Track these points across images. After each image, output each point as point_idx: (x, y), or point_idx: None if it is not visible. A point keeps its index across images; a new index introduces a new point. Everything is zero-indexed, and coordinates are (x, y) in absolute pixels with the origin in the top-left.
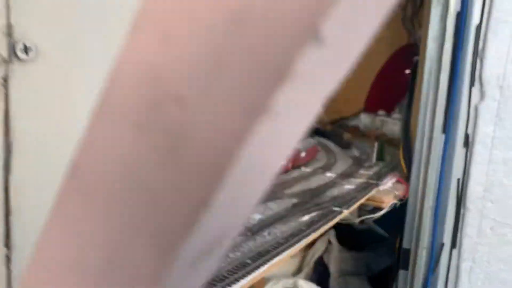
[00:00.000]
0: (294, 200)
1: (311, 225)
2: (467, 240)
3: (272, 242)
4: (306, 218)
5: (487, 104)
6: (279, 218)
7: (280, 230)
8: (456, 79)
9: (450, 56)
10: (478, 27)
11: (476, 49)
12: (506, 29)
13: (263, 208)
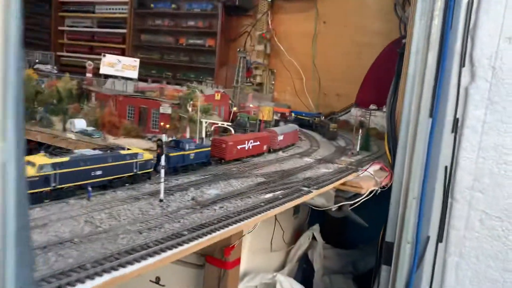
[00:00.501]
0: (261, 179)
1: (272, 202)
2: (454, 233)
3: (220, 216)
4: (268, 196)
5: (478, 86)
6: (238, 194)
7: (235, 205)
8: (445, 58)
9: (439, 34)
10: (469, 4)
11: (467, 27)
12: (498, 5)
13: (224, 185)
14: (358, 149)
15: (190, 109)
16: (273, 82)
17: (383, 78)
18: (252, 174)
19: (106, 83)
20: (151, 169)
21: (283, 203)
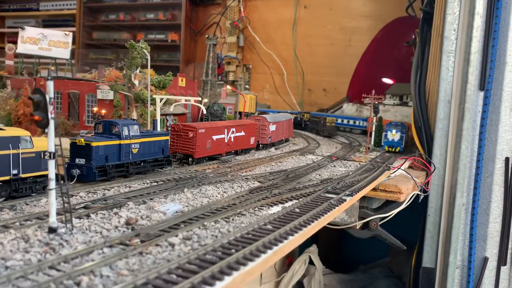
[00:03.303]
0: (254, 184)
1: (287, 222)
2: None
3: (180, 268)
4: (275, 209)
5: None
6: (219, 210)
7: (216, 232)
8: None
9: None
10: None
11: None
12: None
13: (192, 195)
14: (372, 143)
15: (136, 82)
16: (248, 77)
17: (380, 66)
18: (239, 176)
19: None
20: (44, 171)
21: (309, 222)
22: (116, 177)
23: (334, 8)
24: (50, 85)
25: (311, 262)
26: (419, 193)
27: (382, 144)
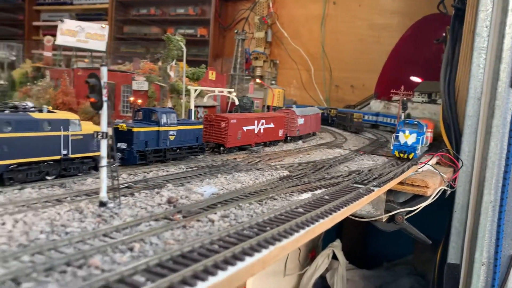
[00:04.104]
0: (283, 173)
1: (318, 207)
2: None
3: (222, 237)
4: (305, 196)
5: None
6: (252, 194)
7: (251, 212)
8: None
9: None
10: None
11: None
12: None
13: (225, 180)
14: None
15: (172, 74)
16: (275, 73)
17: (409, 63)
18: (269, 165)
19: None
20: (98, 152)
21: (339, 207)
22: (154, 162)
23: (363, 4)
24: (104, 70)
25: (334, 257)
26: (446, 188)
27: (391, 148)
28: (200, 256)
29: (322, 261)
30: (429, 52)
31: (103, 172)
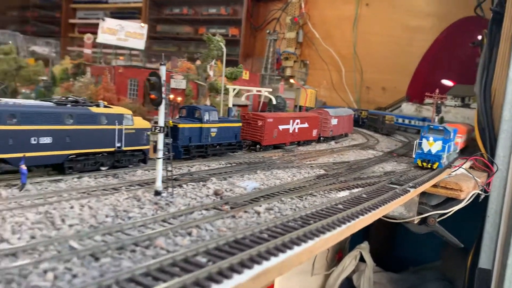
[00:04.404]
0: (319, 171)
1: (357, 204)
2: None
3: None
4: (343, 194)
5: None
6: (291, 190)
7: (293, 206)
8: None
9: None
10: None
11: None
12: None
13: (265, 176)
14: None
15: (211, 73)
16: (305, 73)
17: (442, 66)
18: (304, 164)
19: None
20: (147, 145)
21: (377, 206)
22: (196, 157)
23: (397, 6)
24: (163, 69)
25: (361, 259)
26: (480, 192)
27: (414, 156)
28: (252, 243)
29: (349, 263)
30: (464, 55)
31: (159, 163)
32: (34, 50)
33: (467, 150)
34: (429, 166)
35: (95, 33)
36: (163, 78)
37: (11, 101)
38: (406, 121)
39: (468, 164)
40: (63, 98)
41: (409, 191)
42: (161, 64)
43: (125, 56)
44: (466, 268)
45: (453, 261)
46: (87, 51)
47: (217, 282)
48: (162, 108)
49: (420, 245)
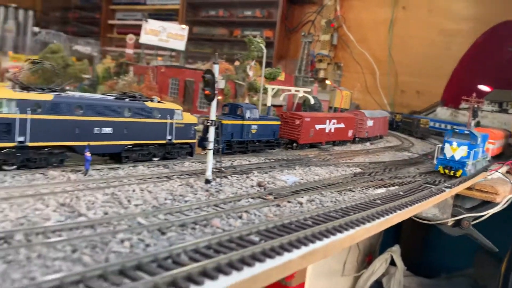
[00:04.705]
0: (356, 170)
1: (393, 200)
2: None
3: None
4: (380, 191)
5: None
6: (330, 185)
7: (333, 199)
8: None
9: None
10: None
11: None
12: None
13: (303, 172)
14: None
15: (250, 73)
16: (340, 75)
17: (480, 71)
18: (340, 163)
19: None
20: (194, 139)
21: (413, 202)
22: (237, 152)
23: (434, 9)
24: (217, 68)
25: (391, 263)
26: None
27: (435, 162)
28: (298, 228)
29: (379, 265)
30: (502, 59)
31: (210, 154)
32: (77, 50)
33: (504, 156)
34: (452, 174)
35: (133, 33)
36: (216, 76)
37: (76, 94)
38: (442, 125)
39: (504, 169)
40: (121, 94)
41: (444, 190)
42: (214, 63)
43: (163, 57)
44: (499, 275)
45: (486, 268)
46: (129, 51)
47: (271, 257)
48: (214, 103)
49: (452, 251)
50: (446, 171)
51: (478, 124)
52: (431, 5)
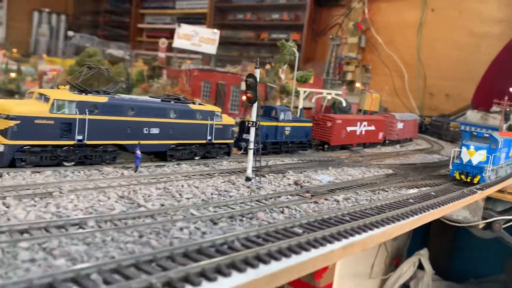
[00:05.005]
0: (388, 171)
1: (425, 199)
2: None
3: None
4: (412, 191)
5: None
6: (363, 185)
7: (367, 198)
8: None
9: None
10: None
11: None
12: None
13: (337, 172)
14: None
15: (282, 76)
16: (368, 78)
17: (510, 74)
18: (372, 164)
19: None
20: (231, 140)
21: (445, 202)
22: (271, 153)
23: (464, 12)
24: (258, 72)
25: (419, 266)
26: None
27: (451, 167)
28: (337, 223)
29: (407, 269)
30: None
31: (250, 154)
32: (110, 53)
33: None
34: (468, 180)
35: (162, 37)
36: (258, 79)
37: (127, 96)
38: (473, 129)
39: None
40: (166, 97)
41: (476, 192)
42: (256, 68)
43: (192, 60)
44: None
45: None
46: (161, 54)
47: (315, 247)
48: (255, 106)
49: (482, 256)
50: (463, 177)
51: (510, 128)
52: (460, 7)
